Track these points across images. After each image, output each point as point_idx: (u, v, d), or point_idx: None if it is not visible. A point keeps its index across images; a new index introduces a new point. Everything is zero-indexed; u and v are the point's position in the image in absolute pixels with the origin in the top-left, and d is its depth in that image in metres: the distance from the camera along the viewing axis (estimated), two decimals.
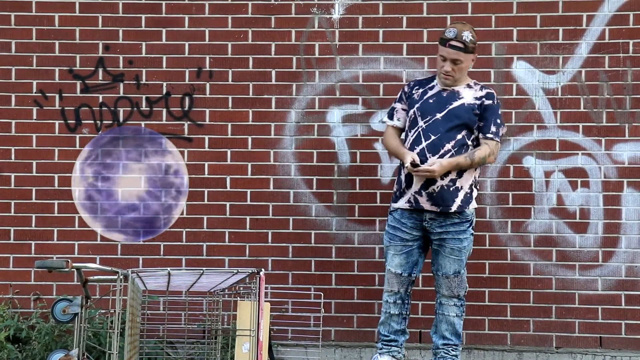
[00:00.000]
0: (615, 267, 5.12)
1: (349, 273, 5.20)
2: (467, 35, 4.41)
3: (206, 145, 5.25)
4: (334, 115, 5.23)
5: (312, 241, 5.22)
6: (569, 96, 5.15)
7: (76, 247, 5.24)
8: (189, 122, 5.25)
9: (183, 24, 5.26)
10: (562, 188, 5.16)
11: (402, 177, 4.53)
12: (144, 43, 5.27)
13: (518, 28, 5.16)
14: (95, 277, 4.30)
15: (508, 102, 5.17)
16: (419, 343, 5.16)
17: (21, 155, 5.27)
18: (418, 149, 4.44)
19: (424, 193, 4.43)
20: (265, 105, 5.24)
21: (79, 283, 4.06)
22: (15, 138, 5.27)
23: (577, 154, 5.15)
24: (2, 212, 5.25)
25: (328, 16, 5.23)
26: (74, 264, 3.79)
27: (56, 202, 5.25)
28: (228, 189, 5.24)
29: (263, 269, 4.08)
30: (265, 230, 5.23)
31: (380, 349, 4.63)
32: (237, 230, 5.23)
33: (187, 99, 5.26)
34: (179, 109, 5.26)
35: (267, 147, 5.24)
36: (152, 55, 5.26)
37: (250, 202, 5.24)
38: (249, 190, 5.24)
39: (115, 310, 3.70)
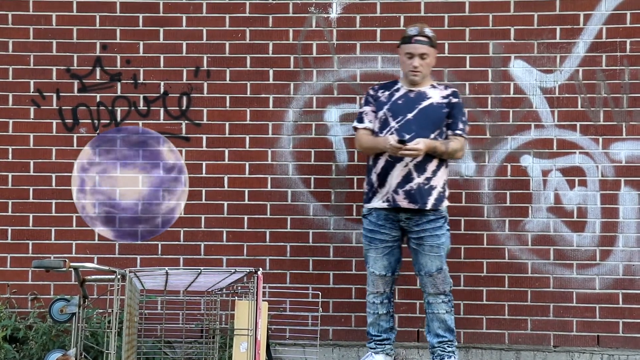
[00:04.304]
0: (613, 265, 5.12)
1: (346, 272, 5.20)
2: (429, 31, 4.55)
3: (204, 144, 5.25)
4: (332, 114, 5.23)
5: (310, 240, 5.22)
6: (567, 95, 5.15)
7: (74, 246, 5.24)
8: (186, 122, 5.25)
9: (180, 24, 5.26)
10: (559, 187, 5.16)
11: (373, 177, 4.58)
12: (141, 42, 5.26)
13: (515, 27, 5.16)
14: (93, 277, 4.29)
15: (505, 101, 5.17)
16: (416, 342, 5.17)
17: (18, 155, 5.26)
18: None
19: (400, 191, 4.48)
20: (263, 104, 5.24)
21: (77, 283, 4.06)
22: (12, 137, 5.27)
23: (575, 152, 5.16)
24: None
25: (326, 15, 5.23)
26: (71, 264, 3.79)
27: (54, 201, 5.24)
28: (226, 188, 5.24)
29: (261, 268, 4.08)
30: (263, 230, 5.23)
31: (374, 348, 4.70)
32: (235, 229, 5.23)
33: (184, 98, 5.25)
34: (177, 108, 5.26)
35: (264, 146, 5.24)
36: (150, 55, 5.26)
37: (248, 202, 5.23)
38: (246, 190, 5.24)
39: (112, 310, 3.70)
